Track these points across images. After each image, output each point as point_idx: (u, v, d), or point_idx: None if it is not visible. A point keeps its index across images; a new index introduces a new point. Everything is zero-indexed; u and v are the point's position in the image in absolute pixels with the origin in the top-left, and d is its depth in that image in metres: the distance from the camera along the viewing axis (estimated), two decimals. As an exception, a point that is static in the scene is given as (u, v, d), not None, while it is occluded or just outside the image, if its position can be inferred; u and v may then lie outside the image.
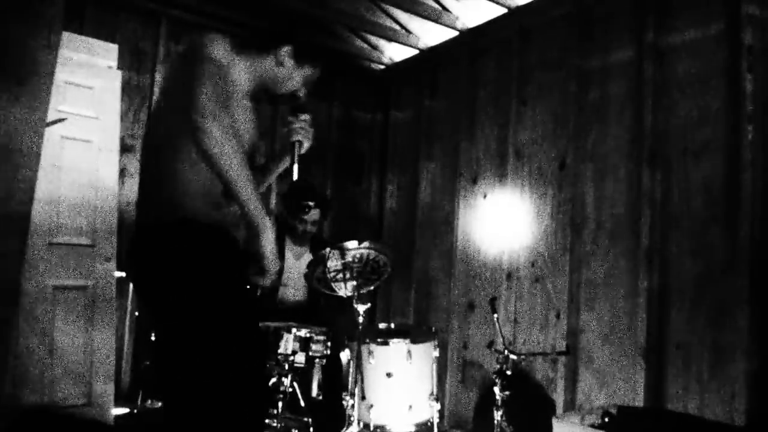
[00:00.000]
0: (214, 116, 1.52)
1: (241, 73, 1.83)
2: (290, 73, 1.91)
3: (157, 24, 4.12)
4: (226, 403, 1.59)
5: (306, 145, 1.93)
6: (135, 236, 1.78)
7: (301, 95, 1.98)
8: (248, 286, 1.80)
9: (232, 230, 1.76)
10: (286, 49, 1.88)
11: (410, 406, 2.75)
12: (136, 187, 4.00)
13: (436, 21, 4.11)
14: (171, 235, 1.66)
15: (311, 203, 2.00)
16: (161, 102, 1.86)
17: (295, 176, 1.90)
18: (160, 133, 1.75)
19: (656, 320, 2.89)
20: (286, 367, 2.79)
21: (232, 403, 1.59)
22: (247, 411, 1.63)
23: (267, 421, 2.72)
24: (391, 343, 2.80)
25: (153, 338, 3.21)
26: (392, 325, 3.28)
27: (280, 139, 4.21)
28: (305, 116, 1.93)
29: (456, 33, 4.26)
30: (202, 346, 1.61)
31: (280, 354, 2.79)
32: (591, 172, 3.32)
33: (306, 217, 3.55)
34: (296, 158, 1.90)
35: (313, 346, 2.86)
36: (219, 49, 1.69)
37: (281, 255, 3.66)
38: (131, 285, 3.82)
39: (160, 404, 3.20)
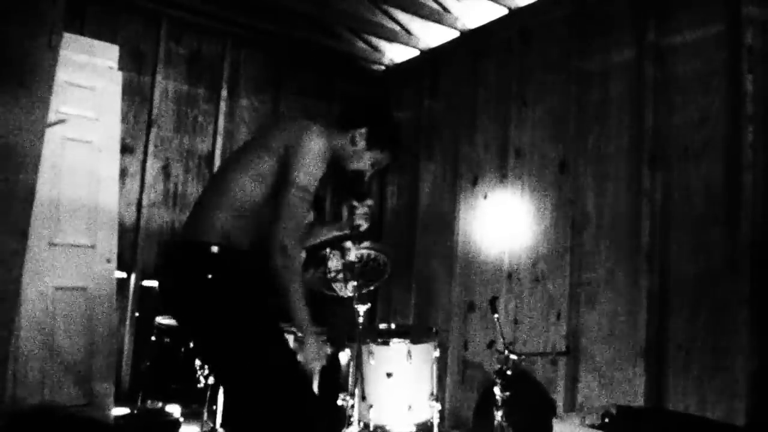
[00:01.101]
0: (287, 254, 1.74)
1: (328, 152, 1.99)
2: (361, 153, 2.06)
3: (157, 24, 4.12)
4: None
5: (364, 227, 2.15)
6: (176, 251, 1.91)
7: (366, 175, 2.12)
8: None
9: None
10: (361, 131, 2.04)
11: (410, 407, 2.76)
12: (136, 187, 4.01)
13: (436, 22, 4.11)
14: (212, 255, 1.80)
15: (355, 260, 2.16)
16: (252, 155, 1.96)
17: (354, 258, 2.24)
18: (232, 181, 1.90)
19: (656, 320, 2.89)
20: (287, 367, 2.79)
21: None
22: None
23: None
24: (391, 344, 2.80)
25: (153, 338, 3.21)
26: (392, 326, 3.28)
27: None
28: (369, 202, 2.16)
29: (457, 34, 4.26)
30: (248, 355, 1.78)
31: (281, 354, 2.79)
32: (591, 173, 3.32)
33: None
34: (356, 240, 2.18)
35: (314, 347, 2.86)
36: (315, 158, 1.85)
37: None
38: (131, 283, 3.82)
39: (160, 404, 3.20)
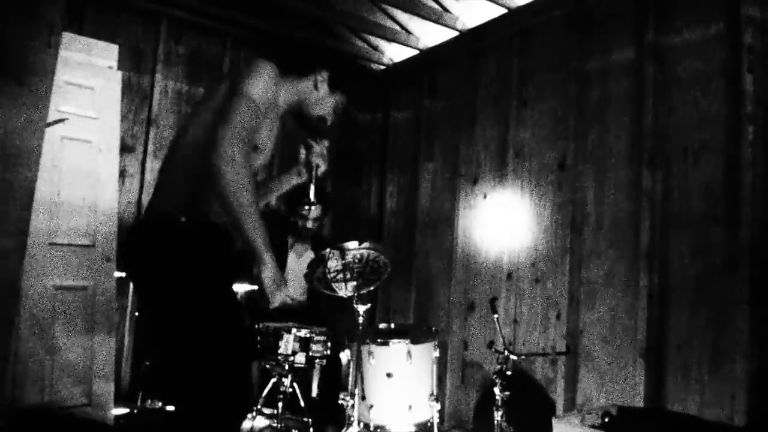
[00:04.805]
0: (231, 159, 1.58)
1: (283, 94, 1.94)
2: (323, 98, 2.02)
3: (157, 24, 4.12)
4: (208, 395, 1.63)
5: (322, 168, 2.04)
6: (143, 225, 1.87)
7: (328, 120, 2.07)
8: (233, 288, 1.89)
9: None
10: (323, 75, 2.00)
11: (410, 407, 2.76)
12: (136, 187, 4.01)
13: (436, 21, 4.11)
14: (175, 230, 1.73)
15: (312, 199, 2.04)
16: (200, 108, 1.89)
17: (312, 197, 2.03)
18: (190, 141, 1.81)
19: (656, 320, 2.89)
20: (286, 367, 2.79)
21: (214, 396, 1.64)
22: (226, 405, 1.66)
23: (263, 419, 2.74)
24: (391, 344, 2.80)
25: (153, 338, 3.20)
26: (392, 326, 3.28)
27: (283, 155, 4.24)
28: (325, 142, 2.06)
29: (456, 33, 4.26)
30: (186, 341, 1.68)
31: (281, 354, 2.79)
32: (591, 172, 3.32)
33: (306, 213, 3.57)
34: (314, 180, 2.03)
35: (313, 347, 2.86)
36: (261, 83, 1.75)
37: (283, 256, 3.67)
38: (131, 284, 3.82)
39: (160, 404, 3.20)
